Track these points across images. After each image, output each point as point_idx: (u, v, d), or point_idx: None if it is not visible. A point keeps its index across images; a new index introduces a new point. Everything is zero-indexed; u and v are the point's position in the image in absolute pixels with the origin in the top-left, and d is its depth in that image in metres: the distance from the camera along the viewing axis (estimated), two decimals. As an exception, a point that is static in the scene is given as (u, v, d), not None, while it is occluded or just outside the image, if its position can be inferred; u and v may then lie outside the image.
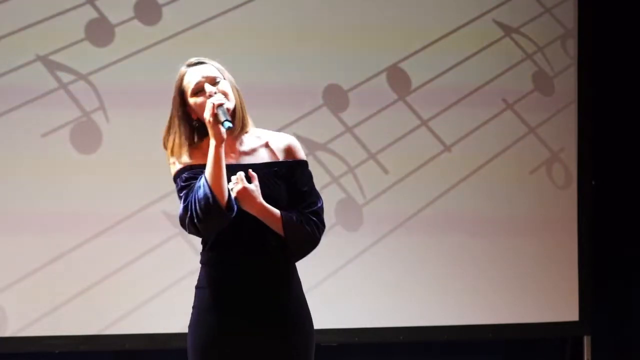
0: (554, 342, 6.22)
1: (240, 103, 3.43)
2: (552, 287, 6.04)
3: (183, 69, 3.44)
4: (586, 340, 6.11)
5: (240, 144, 3.44)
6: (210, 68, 3.42)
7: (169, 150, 3.43)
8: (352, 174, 5.82)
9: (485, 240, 5.97)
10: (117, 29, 5.62)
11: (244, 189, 3.29)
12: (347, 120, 5.86)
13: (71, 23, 5.57)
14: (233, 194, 3.29)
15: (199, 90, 3.38)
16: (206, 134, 3.36)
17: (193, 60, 3.46)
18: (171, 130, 3.43)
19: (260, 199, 3.32)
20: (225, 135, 3.28)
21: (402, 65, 5.92)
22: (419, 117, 5.94)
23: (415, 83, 5.93)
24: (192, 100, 3.39)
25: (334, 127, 5.81)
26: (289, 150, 3.47)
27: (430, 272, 5.90)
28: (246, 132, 3.46)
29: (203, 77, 3.39)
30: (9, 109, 5.52)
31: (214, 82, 3.38)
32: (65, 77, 5.56)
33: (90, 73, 5.59)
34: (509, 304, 5.99)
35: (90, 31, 5.60)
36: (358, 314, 5.81)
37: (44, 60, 5.54)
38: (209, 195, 3.23)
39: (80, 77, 5.58)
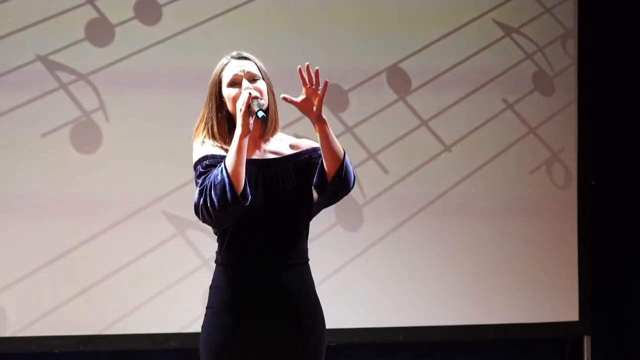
0: (554, 342, 6.22)
1: (274, 106, 3.46)
2: (552, 287, 6.04)
3: (225, 60, 3.46)
4: (586, 340, 6.11)
5: (266, 144, 3.47)
6: (252, 65, 3.45)
7: (197, 136, 3.45)
8: (352, 174, 5.82)
9: (485, 240, 5.97)
10: (117, 29, 5.62)
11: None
12: (347, 120, 5.86)
13: (71, 23, 5.57)
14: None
15: (235, 83, 3.41)
16: (235, 127, 3.39)
17: (237, 53, 3.48)
18: (204, 118, 3.45)
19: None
20: (252, 128, 3.31)
21: (402, 65, 5.92)
22: (419, 117, 5.94)
23: (415, 83, 5.93)
24: (226, 92, 3.42)
25: (334, 127, 5.75)
26: (310, 143, 3.51)
27: (430, 272, 5.91)
28: (274, 135, 3.49)
29: (242, 72, 3.42)
30: (9, 109, 5.52)
31: (252, 79, 3.42)
32: (65, 77, 5.56)
33: (90, 73, 5.59)
34: (509, 304, 5.99)
35: (90, 31, 5.60)
36: (358, 314, 5.81)
37: (44, 60, 5.54)
38: (226, 182, 3.24)
39: (80, 77, 5.58)
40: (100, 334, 5.55)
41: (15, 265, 5.49)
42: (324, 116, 3.37)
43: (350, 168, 3.42)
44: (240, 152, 3.27)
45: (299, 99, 3.35)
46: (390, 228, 5.87)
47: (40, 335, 5.50)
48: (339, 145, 3.38)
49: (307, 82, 3.34)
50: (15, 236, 5.49)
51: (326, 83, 3.33)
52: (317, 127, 3.36)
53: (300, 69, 3.33)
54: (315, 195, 3.41)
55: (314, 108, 3.35)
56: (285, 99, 3.36)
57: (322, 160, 3.39)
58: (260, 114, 3.28)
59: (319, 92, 3.34)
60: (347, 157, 3.40)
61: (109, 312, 5.56)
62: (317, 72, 3.33)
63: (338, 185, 3.39)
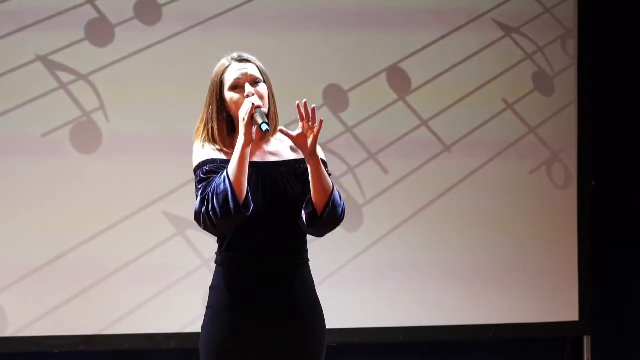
0: (554, 342, 6.22)
1: (275, 108, 3.47)
2: (552, 287, 6.04)
3: (226, 61, 3.46)
4: (586, 340, 6.11)
5: (267, 145, 3.47)
6: (254, 68, 3.45)
7: (197, 137, 3.45)
8: (352, 174, 5.82)
9: (485, 240, 5.97)
10: (117, 29, 5.62)
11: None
12: (347, 120, 5.86)
13: (71, 23, 5.57)
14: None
15: (237, 87, 3.41)
16: (235, 130, 3.38)
17: (238, 55, 3.47)
18: (204, 120, 3.45)
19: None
20: (254, 137, 3.31)
21: (402, 65, 5.93)
22: (419, 117, 5.94)
23: (415, 83, 5.93)
24: (228, 95, 3.42)
25: (334, 127, 5.81)
26: None
27: (430, 272, 5.91)
28: (274, 135, 3.50)
29: (244, 75, 3.42)
30: (9, 109, 5.53)
31: (253, 82, 3.42)
32: (65, 77, 5.56)
33: (90, 73, 5.59)
34: (509, 304, 5.99)
35: (90, 31, 5.60)
36: (358, 314, 5.81)
37: (44, 60, 5.54)
38: (229, 191, 3.25)
39: (80, 77, 5.58)
40: (100, 334, 5.55)
41: (15, 265, 5.49)
42: (318, 153, 3.35)
43: (339, 202, 3.39)
44: (243, 161, 3.28)
45: (295, 133, 3.34)
46: (390, 228, 5.87)
47: (40, 335, 5.50)
48: (329, 181, 3.37)
49: (304, 117, 3.33)
50: (15, 236, 5.49)
51: (321, 122, 3.32)
52: (309, 163, 3.35)
53: (298, 105, 3.33)
54: (303, 223, 3.39)
55: (309, 144, 3.33)
56: (281, 131, 3.35)
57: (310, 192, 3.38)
58: (264, 127, 3.29)
59: (314, 130, 3.33)
60: (335, 192, 3.38)
61: (109, 312, 5.56)
62: (313, 110, 3.32)
63: (325, 219, 3.37)
